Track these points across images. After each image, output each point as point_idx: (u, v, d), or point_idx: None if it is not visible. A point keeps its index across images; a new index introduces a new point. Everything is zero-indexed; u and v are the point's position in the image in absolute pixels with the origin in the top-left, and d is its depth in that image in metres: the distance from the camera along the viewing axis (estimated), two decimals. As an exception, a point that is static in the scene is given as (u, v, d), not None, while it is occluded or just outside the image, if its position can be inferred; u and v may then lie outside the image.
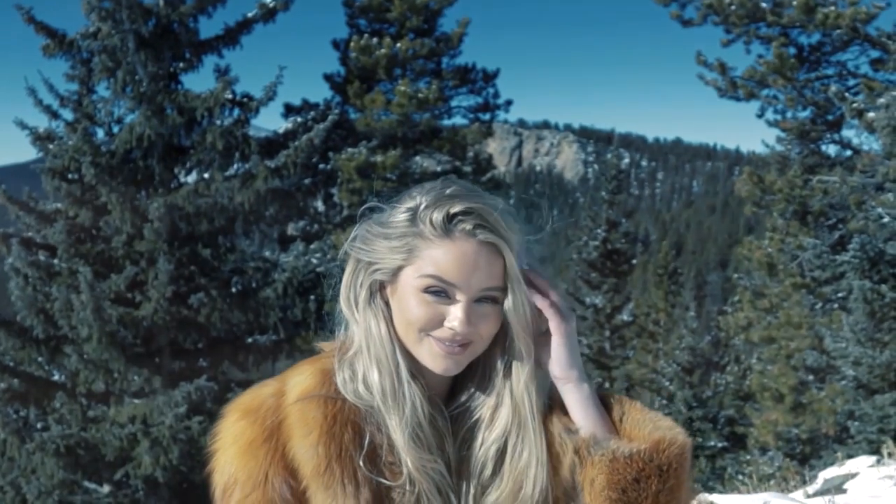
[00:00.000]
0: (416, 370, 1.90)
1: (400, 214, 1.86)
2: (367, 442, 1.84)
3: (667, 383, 32.49)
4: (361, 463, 1.82)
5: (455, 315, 1.81)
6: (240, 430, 1.87)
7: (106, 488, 17.35)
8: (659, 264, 43.69)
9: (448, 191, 1.87)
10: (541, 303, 1.88)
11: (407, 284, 1.84)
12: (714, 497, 6.44)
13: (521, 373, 1.90)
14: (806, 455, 19.44)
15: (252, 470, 1.83)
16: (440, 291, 1.81)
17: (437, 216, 1.81)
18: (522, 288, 1.86)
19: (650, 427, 1.88)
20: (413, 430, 1.85)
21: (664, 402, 33.11)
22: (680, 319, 36.62)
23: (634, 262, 38.53)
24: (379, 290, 1.91)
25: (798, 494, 8.12)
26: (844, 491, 7.24)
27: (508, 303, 1.85)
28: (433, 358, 1.85)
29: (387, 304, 1.91)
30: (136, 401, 16.89)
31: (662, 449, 1.84)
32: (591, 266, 36.55)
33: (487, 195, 1.90)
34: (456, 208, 1.82)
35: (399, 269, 1.85)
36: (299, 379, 1.93)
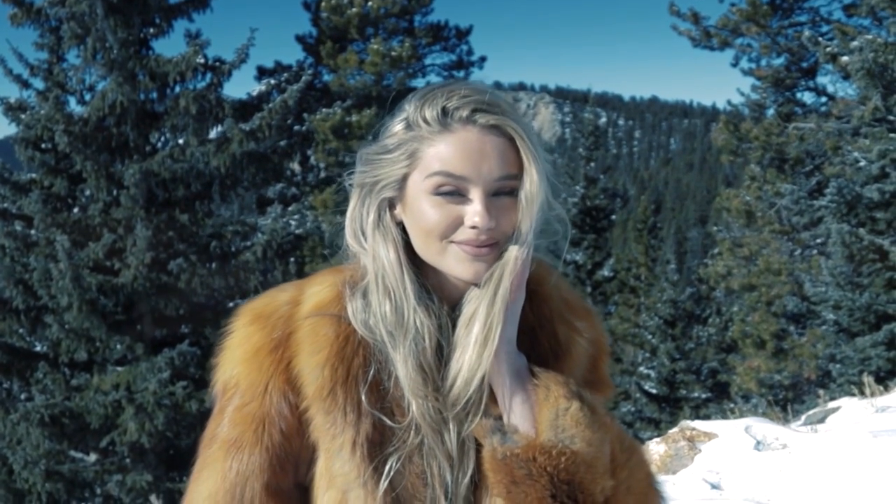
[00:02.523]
0: (435, 288, 1.81)
1: (395, 127, 1.78)
2: (371, 374, 1.77)
3: (649, 337, 32.62)
4: (364, 396, 1.75)
5: (474, 210, 1.70)
6: (248, 334, 1.82)
7: (92, 457, 17.34)
8: (638, 219, 43.77)
9: (435, 85, 1.79)
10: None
11: (416, 191, 1.75)
12: (696, 423, 6.48)
13: (508, 274, 1.75)
14: (789, 400, 19.56)
15: (254, 379, 1.78)
16: (452, 190, 1.71)
17: (430, 112, 1.72)
18: (541, 171, 1.73)
19: (549, 423, 1.72)
20: (418, 363, 1.76)
21: (647, 355, 33.31)
22: (661, 274, 36.72)
23: (614, 217, 38.46)
24: (388, 211, 1.82)
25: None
26: (825, 422, 7.30)
27: (525, 188, 1.74)
28: (460, 264, 1.74)
29: (397, 224, 1.82)
30: (119, 368, 16.83)
31: (543, 455, 1.69)
32: (571, 223, 36.48)
33: (481, 84, 1.79)
34: (447, 98, 1.73)
35: (405, 177, 1.76)
36: (317, 290, 1.86)
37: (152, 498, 17.10)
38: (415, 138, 1.73)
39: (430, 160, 1.72)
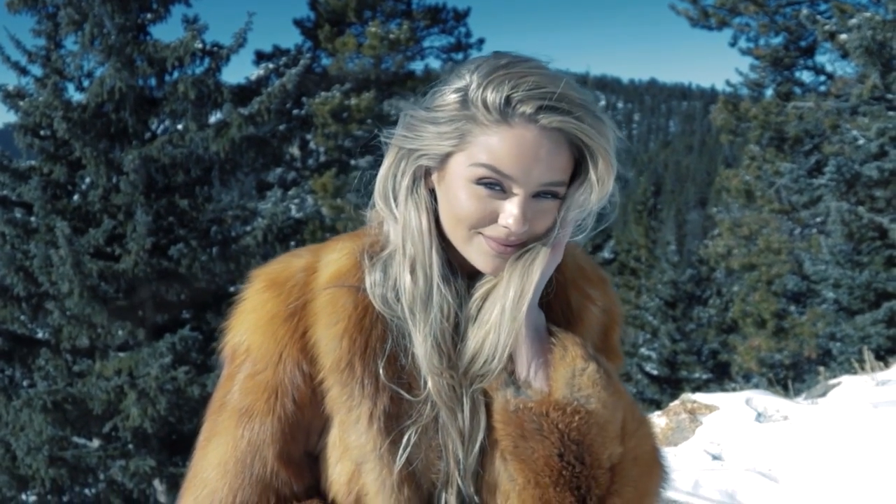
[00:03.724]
0: (457, 265, 1.77)
1: (449, 96, 1.67)
2: (388, 347, 1.73)
3: (650, 318, 32.66)
4: (382, 369, 1.71)
5: (510, 212, 1.64)
6: (263, 300, 1.77)
7: (95, 442, 17.35)
8: (638, 201, 43.75)
9: (503, 63, 1.65)
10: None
11: (457, 174, 1.67)
12: (697, 396, 6.51)
13: (537, 268, 1.70)
14: (790, 379, 19.62)
15: (268, 347, 1.74)
16: (494, 184, 1.63)
17: (493, 97, 1.61)
18: (602, 177, 1.67)
19: (565, 381, 1.71)
20: (436, 340, 1.72)
21: (648, 336, 33.34)
22: (661, 255, 36.69)
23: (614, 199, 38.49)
24: (423, 177, 1.76)
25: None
26: (826, 396, 7.32)
27: (575, 196, 1.68)
28: (482, 256, 1.70)
29: (430, 192, 1.76)
30: (120, 354, 16.84)
31: (556, 411, 1.67)
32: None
33: (555, 71, 1.66)
34: (514, 87, 1.61)
35: (448, 155, 1.68)
36: (334, 257, 1.81)
37: (155, 483, 17.14)
38: (469, 119, 1.64)
39: (480, 149, 1.63)
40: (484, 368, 1.72)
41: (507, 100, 1.60)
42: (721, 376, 28.42)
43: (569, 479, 1.65)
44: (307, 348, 1.73)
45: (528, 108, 1.59)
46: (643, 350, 33.30)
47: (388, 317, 1.74)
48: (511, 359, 1.74)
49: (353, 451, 1.73)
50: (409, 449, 1.72)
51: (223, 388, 1.80)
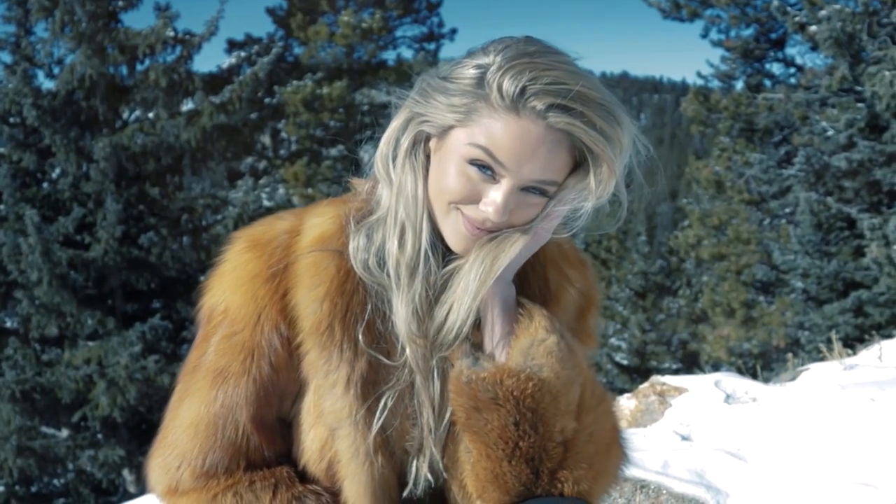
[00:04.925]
0: (439, 237, 1.73)
1: (467, 70, 1.64)
2: (368, 313, 1.71)
3: (620, 308, 32.72)
4: (361, 335, 1.70)
5: (493, 199, 1.62)
6: (243, 261, 1.74)
7: (64, 432, 17.26)
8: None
9: (530, 51, 1.62)
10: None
11: (453, 148, 1.65)
12: (666, 378, 6.55)
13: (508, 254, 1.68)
14: (759, 368, 19.76)
15: (247, 307, 1.71)
16: (485, 167, 1.61)
17: (509, 84, 1.58)
18: (601, 185, 1.64)
19: (521, 350, 1.68)
20: (416, 308, 1.70)
21: (618, 327, 33.40)
22: (631, 246, 36.73)
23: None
24: (424, 143, 1.73)
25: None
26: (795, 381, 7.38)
27: (564, 194, 1.66)
28: (455, 235, 1.69)
29: (428, 157, 1.73)
30: (90, 343, 16.75)
31: (511, 378, 1.64)
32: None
33: (581, 69, 1.63)
34: (533, 79, 1.58)
35: (450, 128, 1.66)
36: (318, 221, 1.78)
37: (125, 472, 17.08)
38: (481, 98, 1.61)
39: (481, 130, 1.61)
40: (446, 339, 1.71)
41: (523, 90, 1.57)
42: (691, 366, 28.51)
43: (525, 450, 1.63)
44: (287, 310, 1.71)
45: (539, 104, 1.57)
46: (613, 340, 33.35)
47: (369, 282, 1.72)
48: (479, 331, 1.73)
49: (327, 417, 1.72)
50: (384, 415, 1.71)
51: (198, 350, 1.78)
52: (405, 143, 1.73)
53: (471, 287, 1.68)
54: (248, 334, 1.71)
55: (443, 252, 1.75)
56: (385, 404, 1.71)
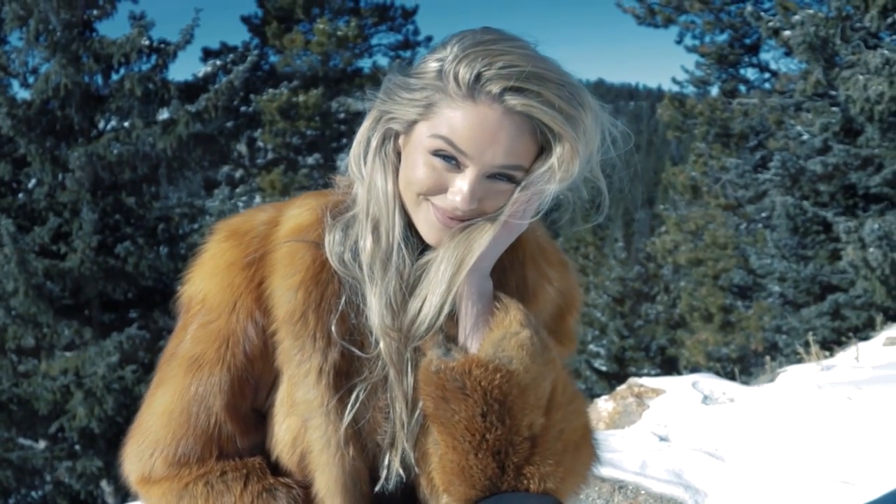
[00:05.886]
0: (413, 231, 1.75)
1: (428, 64, 1.67)
2: (341, 305, 1.73)
3: (599, 315, 32.82)
4: (334, 325, 1.71)
5: (459, 188, 1.64)
6: (222, 250, 1.78)
7: (41, 443, 17.16)
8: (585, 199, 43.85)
9: (485, 39, 1.64)
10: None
11: (418, 141, 1.67)
12: (644, 380, 6.55)
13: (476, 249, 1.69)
14: (738, 372, 19.83)
15: (223, 295, 1.74)
16: (449, 157, 1.63)
17: (464, 72, 1.60)
18: (566, 163, 1.64)
19: (493, 342, 1.68)
20: (389, 301, 1.71)
21: (597, 333, 33.49)
22: (609, 253, 36.83)
23: (561, 197, 38.72)
24: (393, 140, 1.76)
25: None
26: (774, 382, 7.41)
27: (530, 178, 1.67)
28: (427, 226, 1.71)
29: (398, 155, 1.76)
30: (67, 353, 16.67)
31: (479, 368, 1.64)
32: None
33: (538, 54, 1.65)
34: (487, 65, 1.60)
35: (414, 122, 1.68)
36: (296, 212, 1.80)
37: (103, 483, 16.97)
38: (439, 90, 1.63)
39: (442, 121, 1.63)
40: (419, 331, 1.72)
41: (478, 76, 1.59)
42: (669, 371, 28.59)
43: (492, 442, 1.63)
44: (262, 299, 1.73)
45: (494, 88, 1.59)
46: (592, 346, 33.43)
47: (343, 275, 1.73)
48: (454, 323, 1.73)
49: (300, 407, 1.73)
50: (356, 407, 1.71)
51: (176, 338, 1.80)
52: (374, 141, 1.76)
53: (443, 278, 1.69)
54: (224, 322, 1.74)
55: (416, 246, 1.76)
56: (357, 396, 1.72)
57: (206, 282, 1.77)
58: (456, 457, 1.65)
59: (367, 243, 1.73)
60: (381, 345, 1.72)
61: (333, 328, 1.71)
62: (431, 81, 1.64)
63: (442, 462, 1.68)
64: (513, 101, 1.58)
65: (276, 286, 1.73)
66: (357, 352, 1.72)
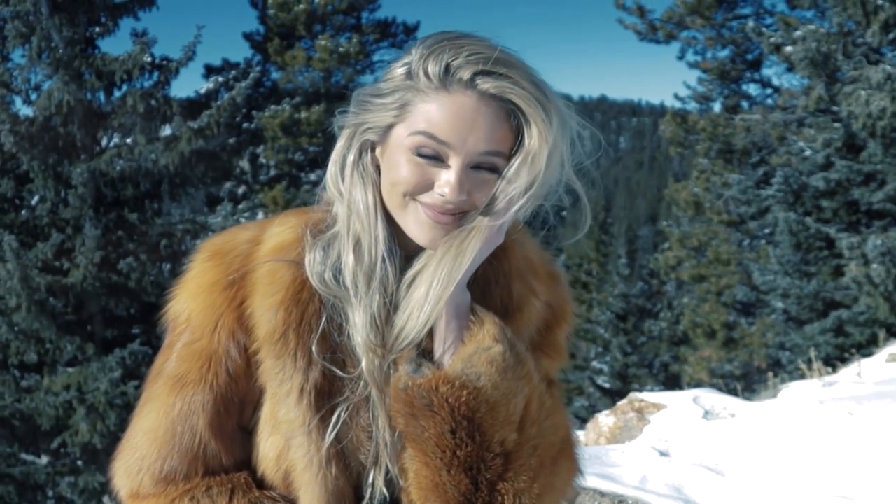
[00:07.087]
0: (397, 243, 1.74)
1: (396, 70, 1.68)
2: (322, 324, 1.71)
3: (602, 331, 32.78)
4: (314, 345, 1.69)
5: (446, 180, 1.63)
6: (204, 270, 1.77)
7: (44, 459, 17.15)
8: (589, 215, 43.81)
9: (448, 36, 1.67)
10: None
11: (397, 144, 1.66)
12: (645, 395, 6.54)
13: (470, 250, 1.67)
14: (741, 389, 19.81)
15: (206, 315, 1.74)
16: (431, 153, 1.62)
17: (433, 66, 1.62)
18: (541, 147, 1.63)
19: (462, 358, 1.66)
20: (373, 318, 1.70)
21: (600, 350, 33.45)
22: (612, 269, 36.81)
23: (564, 213, 38.71)
24: (370, 152, 1.75)
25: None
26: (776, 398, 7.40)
27: (513, 167, 1.65)
28: (418, 226, 1.68)
29: (377, 168, 1.74)
30: (69, 369, 16.67)
31: (445, 385, 1.62)
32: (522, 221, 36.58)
33: (502, 45, 1.66)
34: (454, 55, 1.62)
35: (390, 126, 1.68)
36: (279, 230, 1.79)
37: (105, 499, 16.92)
38: (410, 89, 1.64)
39: (419, 117, 1.63)
40: (400, 346, 1.70)
41: (447, 67, 1.61)
42: (672, 388, 28.55)
43: (463, 459, 1.62)
44: (243, 318, 1.73)
45: (465, 74, 1.60)
46: (595, 363, 33.42)
47: (325, 295, 1.72)
48: (430, 337, 1.72)
49: (282, 426, 1.72)
50: (338, 426, 1.71)
51: (163, 356, 1.80)
52: (351, 156, 1.76)
53: (432, 293, 1.68)
54: (207, 342, 1.74)
55: (401, 260, 1.75)
56: (339, 416, 1.71)
57: (189, 301, 1.77)
58: (429, 473, 1.64)
59: (349, 260, 1.72)
60: (364, 362, 1.70)
61: (314, 348, 1.70)
62: (402, 83, 1.65)
63: (417, 478, 1.67)
64: (485, 84, 1.60)
65: (257, 305, 1.72)
66: (338, 372, 1.71)
